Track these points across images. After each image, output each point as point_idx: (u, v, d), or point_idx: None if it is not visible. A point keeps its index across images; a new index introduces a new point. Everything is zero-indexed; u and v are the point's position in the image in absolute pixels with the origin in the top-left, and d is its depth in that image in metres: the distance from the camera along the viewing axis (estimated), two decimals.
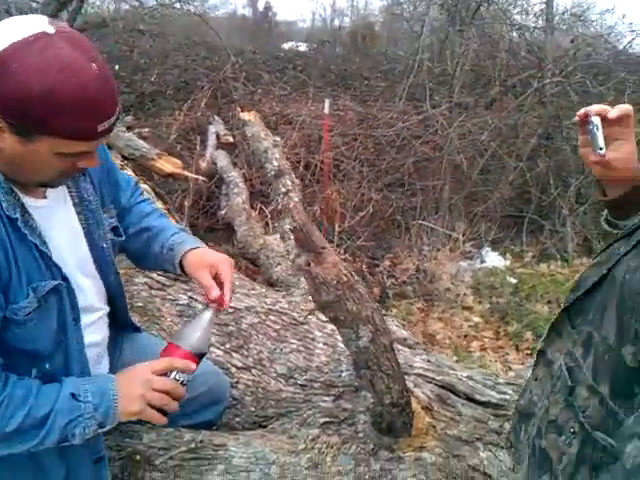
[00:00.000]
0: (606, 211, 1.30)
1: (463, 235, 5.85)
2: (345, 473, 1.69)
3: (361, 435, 1.78)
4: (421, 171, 6.42)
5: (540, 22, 6.94)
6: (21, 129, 1.13)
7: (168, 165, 3.85)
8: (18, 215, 1.25)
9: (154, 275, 2.42)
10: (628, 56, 6.77)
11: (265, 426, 1.97)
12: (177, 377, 1.42)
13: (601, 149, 1.16)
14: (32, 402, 1.28)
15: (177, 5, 11.89)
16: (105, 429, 1.37)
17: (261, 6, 18.74)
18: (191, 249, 1.61)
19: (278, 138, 2.63)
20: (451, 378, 1.93)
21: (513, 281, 5.54)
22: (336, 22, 15.48)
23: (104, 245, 1.52)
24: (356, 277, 1.50)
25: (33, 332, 1.30)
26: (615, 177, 1.21)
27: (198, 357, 1.47)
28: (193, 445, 1.71)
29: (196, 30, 10.37)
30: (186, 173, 4.29)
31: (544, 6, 6.80)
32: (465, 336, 4.68)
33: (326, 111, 5.90)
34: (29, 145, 1.16)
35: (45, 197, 1.36)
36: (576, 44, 6.28)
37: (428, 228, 5.94)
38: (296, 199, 2.53)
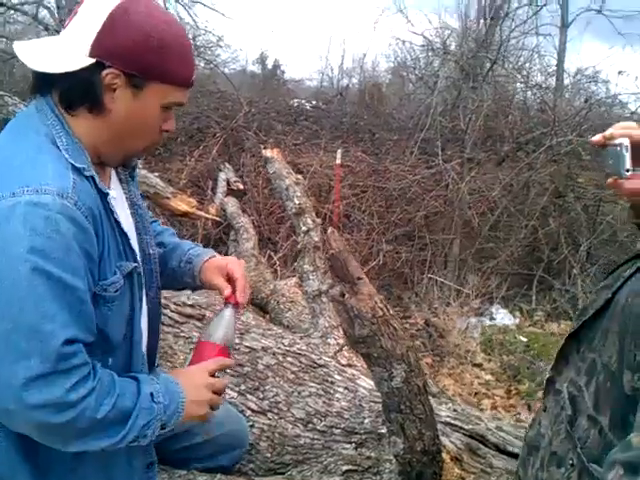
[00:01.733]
0: None
1: (473, 291, 5.79)
2: None
3: None
4: (431, 225, 6.40)
5: (552, 81, 7.03)
6: (136, 79, 1.20)
7: (183, 204, 3.81)
8: (109, 191, 1.27)
9: (167, 312, 2.33)
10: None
11: (282, 473, 1.86)
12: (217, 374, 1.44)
13: (628, 171, 1.07)
14: (118, 392, 1.21)
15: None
16: (165, 431, 1.30)
17: (270, 63, 19.13)
18: (208, 259, 1.61)
19: (300, 177, 2.59)
20: (480, 428, 1.83)
21: (523, 339, 5.45)
22: (344, 81, 15.76)
23: (151, 252, 1.50)
24: (391, 312, 1.42)
25: (114, 314, 1.27)
26: None
27: (229, 351, 1.48)
28: None
29: (206, 82, 10.55)
30: (200, 213, 4.26)
31: (555, 67, 6.89)
32: (476, 393, 4.56)
33: (338, 161, 5.92)
34: (139, 97, 1.22)
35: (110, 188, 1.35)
36: (589, 103, 6.33)
37: (438, 282, 5.87)
38: (316, 238, 2.46)
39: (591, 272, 6.18)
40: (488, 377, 4.79)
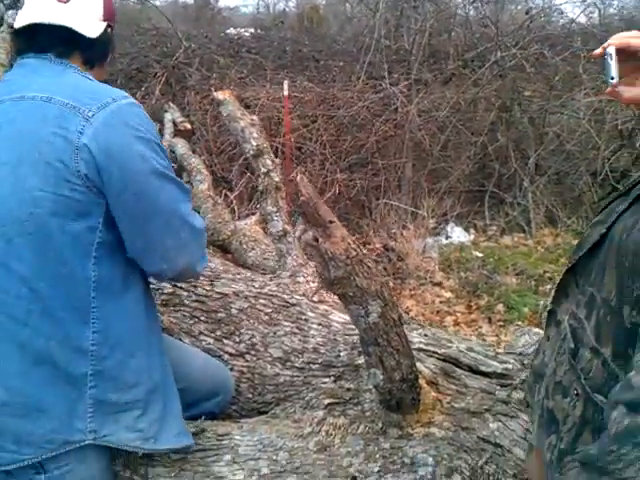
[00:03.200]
0: None
1: (428, 212, 5.87)
2: (355, 454, 1.64)
3: (368, 414, 1.73)
4: (383, 150, 6.41)
5: None
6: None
7: None
8: None
9: None
10: (581, 26, 6.85)
11: (265, 412, 1.91)
12: None
13: (612, 79, 1.10)
14: None
15: None
16: None
17: None
18: None
19: (255, 117, 2.55)
20: (452, 351, 1.90)
21: (479, 255, 5.59)
22: (281, 5, 15.34)
23: None
24: (364, 251, 1.45)
25: None
26: None
27: None
28: (194, 430, 1.64)
29: (138, 18, 10.11)
30: None
31: None
32: (438, 312, 4.70)
33: (285, 93, 5.83)
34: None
35: None
36: (530, 15, 6.32)
37: (393, 207, 5.94)
38: (277, 179, 2.45)
39: (540, 183, 6.31)
40: (448, 295, 4.92)
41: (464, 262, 5.41)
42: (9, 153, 1.31)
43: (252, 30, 9.51)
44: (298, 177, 1.33)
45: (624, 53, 1.11)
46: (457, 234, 6.10)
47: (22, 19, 1.41)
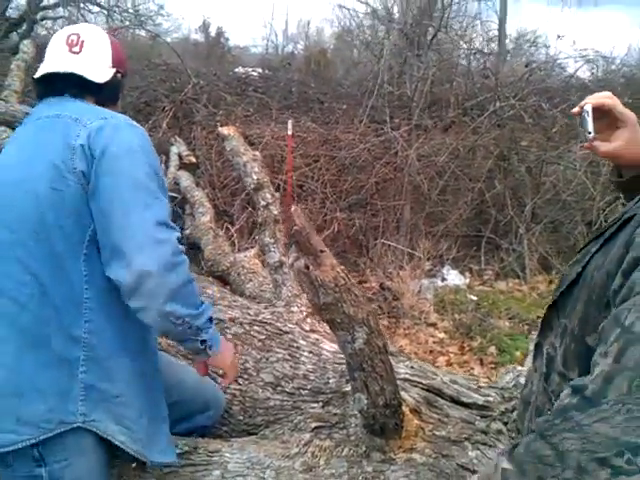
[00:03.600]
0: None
1: (425, 254, 5.96)
2: (338, 475, 1.71)
3: (353, 438, 1.81)
4: (382, 191, 6.54)
5: (494, 47, 7.19)
6: (121, 75, 1.77)
7: None
8: None
9: None
10: (580, 81, 7.05)
11: (254, 434, 1.99)
12: None
13: (589, 133, 1.23)
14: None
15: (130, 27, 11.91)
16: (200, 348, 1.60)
17: (213, 31, 18.86)
18: None
19: (257, 153, 2.67)
20: (436, 382, 1.98)
21: (474, 298, 5.66)
22: (290, 47, 15.68)
23: None
24: (352, 280, 1.55)
25: None
26: (625, 163, 1.29)
27: None
28: (186, 449, 1.72)
29: (149, 53, 10.35)
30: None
31: (497, 32, 7.04)
32: (431, 351, 4.75)
33: (289, 132, 5.98)
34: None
35: None
36: (530, 68, 6.51)
37: (391, 247, 6.04)
38: (276, 212, 2.56)
39: (536, 231, 6.42)
40: (442, 335, 4.98)
41: (459, 304, 5.47)
42: (25, 155, 1.54)
43: (260, 70, 9.76)
44: (292, 208, 1.43)
45: (599, 111, 1.25)
46: (452, 277, 6.18)
47: (41, 70, 1.65)
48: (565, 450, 0.88)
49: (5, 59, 9.14)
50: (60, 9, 12.92)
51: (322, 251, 1.49)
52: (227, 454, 1.74)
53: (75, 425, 1.47)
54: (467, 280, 6.20)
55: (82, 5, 12.67)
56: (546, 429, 0.93)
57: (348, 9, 8.74)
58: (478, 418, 1.85)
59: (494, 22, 8.64)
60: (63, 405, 1.47)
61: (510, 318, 5.22)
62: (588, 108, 1.25)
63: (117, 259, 1.44)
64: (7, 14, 11.38)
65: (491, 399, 1.94)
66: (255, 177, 2.58)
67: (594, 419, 0.87)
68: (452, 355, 4.71)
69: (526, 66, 6.67)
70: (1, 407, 1.47)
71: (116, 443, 1.52)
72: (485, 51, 6.86)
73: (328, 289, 1.48)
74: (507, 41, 8.49)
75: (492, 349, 4.70)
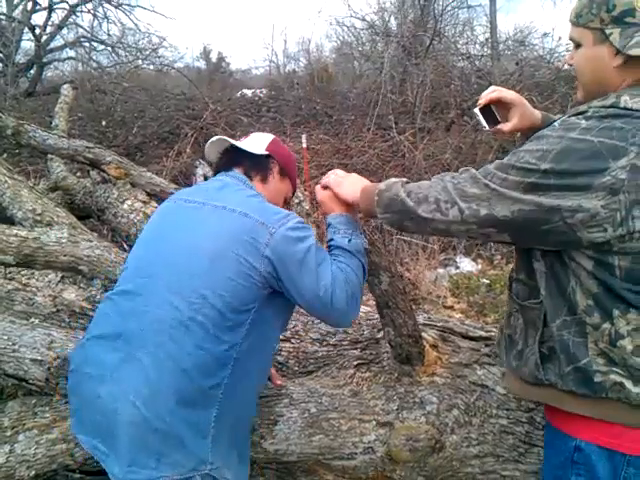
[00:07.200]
0: None
1: (438, 246, 6.42)
2: (378, 397, 2.21)
3: (387, 369, 2.30)
4: None
5: (486, 49, 7.69)
6: (282, 170, 2.04)
7: None
8: None
9: None
10: (568, 73, 7.51)
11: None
12: None
13: (484, 127, 1.76)
14: None
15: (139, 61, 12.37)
16: None
17: (214, 57, 19.22)
18: None
19: None
20: (449, 324, 2.48)
21: (486, 281, 6.10)
22: (292, 66, 15.98)
23: None
24: (375, 236, 2.06)
25: None
26: (526, 131, 1.79)
27: None
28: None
29: (157, 84, 10.77)
30: None
31: (489, 35, 7.55)
32: None
33: (304, 145, 6.52)
34: (283, 181, 2.08)
35: None
36: (520, 66, 7.00)
37: (406, 242, 6.51)
38: (307, 207, 3.09)
39: None
40: (458, 315, 5.43)
41: (472, 287, 5.93)
42: (211, 244, 1.70)
43: (265, 90, 10.25)
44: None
45: (494, 104, 1.77)
46: (465, 264, 6.61)
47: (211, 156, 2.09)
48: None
49: (21, 104, 9.72)
50: (67, 49, 13.37)
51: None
52: (291, 387, 2.25)
53: (204, 472, 1.60)
54: (479, 266, 6.63)
55: (87, 45, 13.11)
56: (449, 181, 1.50)
57: (347, 26, 9.27)
58: (483, 346, 2.35)
59: (486, 25, 9.17)
60: (197, 453, 1.60)
61: None
62: (476, 110, 1.75)
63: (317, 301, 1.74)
64: (15, 60, 11.62)
65: (493, 334, 2.44)
66: None
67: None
68: None
69: (517, 64, 7.14)
70: (144, 442, 1.57)
71: None
72: (477, 54, 7.35)
73: None
74: (500, 40, 8.97)
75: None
